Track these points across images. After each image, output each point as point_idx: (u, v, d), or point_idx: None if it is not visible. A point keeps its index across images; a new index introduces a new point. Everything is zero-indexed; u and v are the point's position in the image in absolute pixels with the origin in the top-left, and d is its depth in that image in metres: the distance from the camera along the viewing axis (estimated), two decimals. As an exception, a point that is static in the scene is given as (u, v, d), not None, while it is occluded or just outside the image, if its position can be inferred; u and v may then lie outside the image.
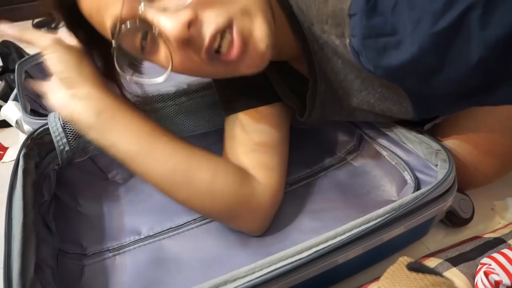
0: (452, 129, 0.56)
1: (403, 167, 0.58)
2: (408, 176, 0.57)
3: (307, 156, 0.68)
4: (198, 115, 0.67)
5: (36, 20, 1.41)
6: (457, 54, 0.34)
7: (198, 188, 0.49)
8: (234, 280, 0.38)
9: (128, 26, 0.40)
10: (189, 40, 0.39)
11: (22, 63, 0.81)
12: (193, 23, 0.38)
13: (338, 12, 0.39)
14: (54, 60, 0.46)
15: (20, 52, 1.02)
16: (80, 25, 0.46)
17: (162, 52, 0.42)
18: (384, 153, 0.61)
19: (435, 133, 0.57)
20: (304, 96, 0.52)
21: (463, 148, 0.55)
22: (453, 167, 0.48)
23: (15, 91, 0.78)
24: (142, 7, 0.39)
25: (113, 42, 0.42)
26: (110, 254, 0.55)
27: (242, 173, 0.53)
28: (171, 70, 0.42)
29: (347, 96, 0.51)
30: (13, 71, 0.92)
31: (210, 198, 0.50)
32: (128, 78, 0.47)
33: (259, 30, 0.40)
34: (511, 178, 0.61)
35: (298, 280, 0.40)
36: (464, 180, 0.53)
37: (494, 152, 0.55)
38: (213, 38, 0.39)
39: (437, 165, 0.51)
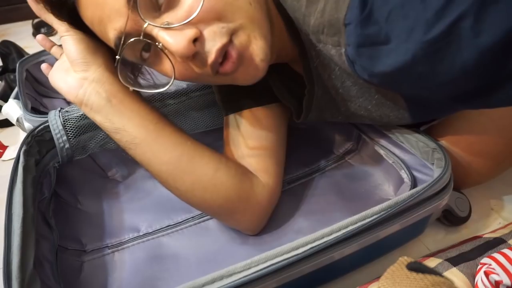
0: (445, 129, 0.57)
1: (400, 166, 0.58)
2: (405, 175, 0.57)
3: (305, 155, 0.68)
4: (197, 114, 0.68)
5: (36, 20, 1.42)
6: (451, 61, 0.35)
7: (201, 179, 0.50)
8: (230, 275, 0.39)
9: (132, 40, 0.41)
10: (193, 56, 0.40)
11: (23, 61, 0.82)
12: (197, 40, 0.39)
13: (334, 21, 0.39)
14: (72, 41, 0.46)
15: (20, 52, 1.02)
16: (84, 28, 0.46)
17: (165, 64, 0.43)
18: (381, 152, 0.61)
19: (429, 133, 0.57)
20: (302, 97, 0.53)
21: (456, 148, 0.55)
22: (449, 166, 0.48)
23: (16, 89, 0.79)
24: (146, 24, 0.39)
25: (117, 54, 0.42)
26: (109, 251, 0.55)
27: (243, 169, 0.53)
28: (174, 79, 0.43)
29: (345, 101, 0.51)
30: (13, 71, 0.93)
31: (212, 189, 0.50)
32: (131, 89, 0.47)
33: (256, 45, 0.42)
34: (510, 177, 0.62)
35: (294, 276, 0.40)
36: (458, 179, 0.53)
37: (487, 151, 0.55)
38: (219, 54, 0.40)
39: (433, 163, 0.51)
